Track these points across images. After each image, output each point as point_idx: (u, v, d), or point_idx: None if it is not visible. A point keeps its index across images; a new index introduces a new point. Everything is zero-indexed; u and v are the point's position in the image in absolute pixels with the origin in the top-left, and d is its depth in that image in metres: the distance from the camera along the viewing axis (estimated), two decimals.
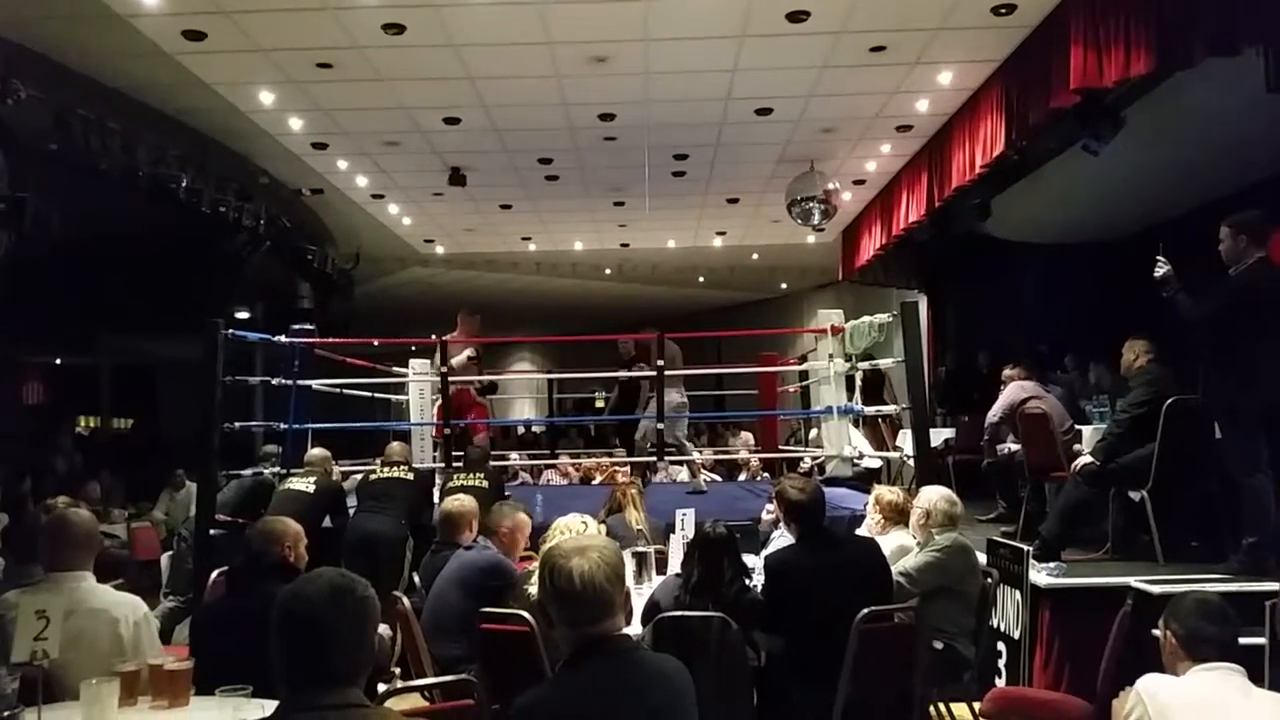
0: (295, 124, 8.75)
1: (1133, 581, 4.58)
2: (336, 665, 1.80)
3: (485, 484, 6.47)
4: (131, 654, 3.15)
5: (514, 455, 11.37)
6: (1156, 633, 2.82)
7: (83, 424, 17.89)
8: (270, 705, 2.26)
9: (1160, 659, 2.79)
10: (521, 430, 17.30)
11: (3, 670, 2.64)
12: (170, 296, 10.95)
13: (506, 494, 6.80)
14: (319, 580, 1.88)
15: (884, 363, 7.87)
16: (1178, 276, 4.81)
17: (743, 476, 10.76)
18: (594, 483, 9.77)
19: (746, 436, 12.22)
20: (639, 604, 3.92)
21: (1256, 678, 2.76)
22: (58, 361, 17.19)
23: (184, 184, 8.22)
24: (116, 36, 6.82)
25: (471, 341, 8.35)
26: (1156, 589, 4.37)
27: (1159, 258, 4.83)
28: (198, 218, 8.62)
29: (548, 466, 9.95)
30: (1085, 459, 5.47)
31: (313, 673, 1.78)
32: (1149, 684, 2.57)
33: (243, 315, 12.14)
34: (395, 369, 9.99)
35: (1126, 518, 5.64)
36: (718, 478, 10.76)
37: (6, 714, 2.43)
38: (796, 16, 6.76)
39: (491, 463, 7.30)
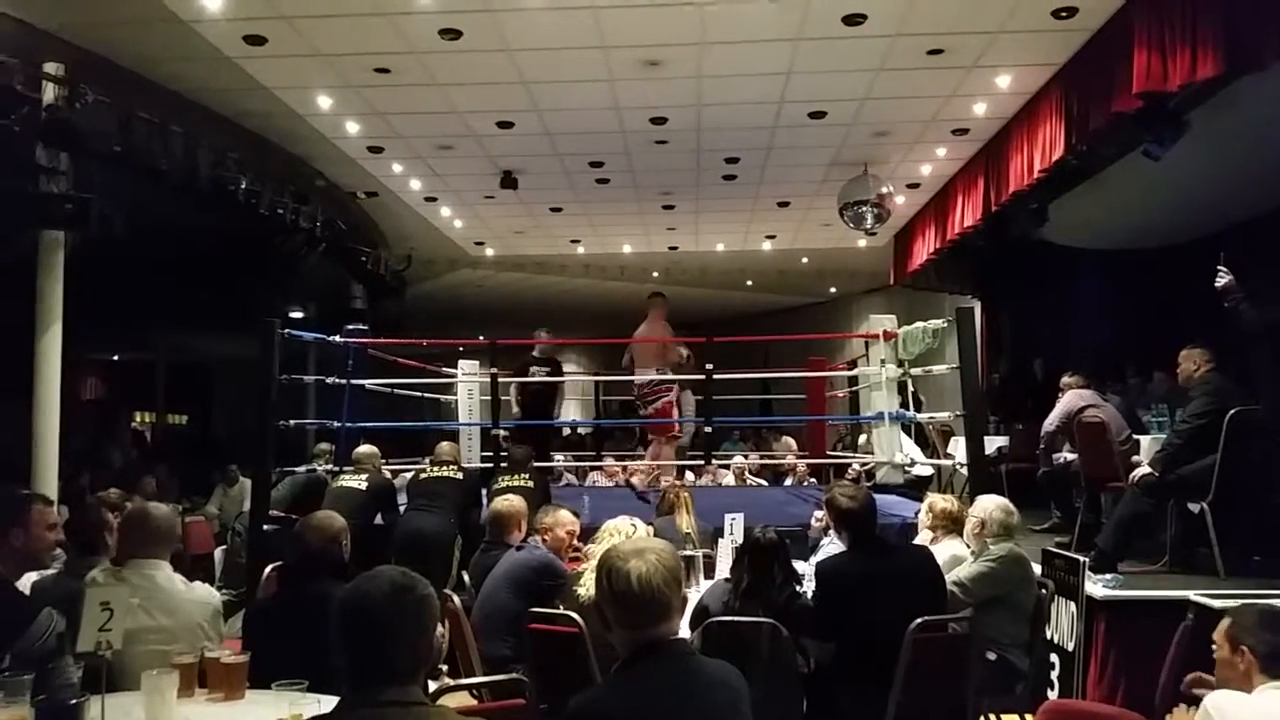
0: (352, 128, 8.87)
1: (1193, 595, 4.48)
2: (398, 662, 1.82)
3: (531, 484, 6.51)
4: (204, 643, 3.22)
5: (559, 457, 11.41)
6: (1217, 642, 2.74)
7: (139, 419, 18.28)
8: (325, 700, 2.30)
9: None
10: (567, 431, 17.35)
11: (69, 659, 2.71)
12: (227, 296, 11.14)
13: (551, 495, 6.84)
14: (381, 579, 1.89)
15: (938, 369, 7.77)
16: (1239, 286, 4.71)
17: (789, 481, 10.69)
18: (636, 486, 9.75)
19: (789, 441, 12.14)
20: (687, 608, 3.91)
21: None
22: (115, 358, 17.59)
23: (243, 186, 8.35)
24: (179, 41, 6.97)
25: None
26: (1218, 603, 4.26)
27: (1220, 267, 4.74)
28: (255, 219, 8.76)
29: (594, 468, 9.96)
30: (1144, 470, 5.36)
31: (375, 669, 1.80)
32: (1219, 701, 2.49)
33: (297, 315, 12.31)
34: (445, 369, 10.08)
35: (1185, 530, 5.51)
36: (764, 482, 10.71)
37: (73, 702, 2.48)
38: (853, 19, 6.72)
39: (535, 464, 7.34)
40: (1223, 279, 4.72)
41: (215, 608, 3.42)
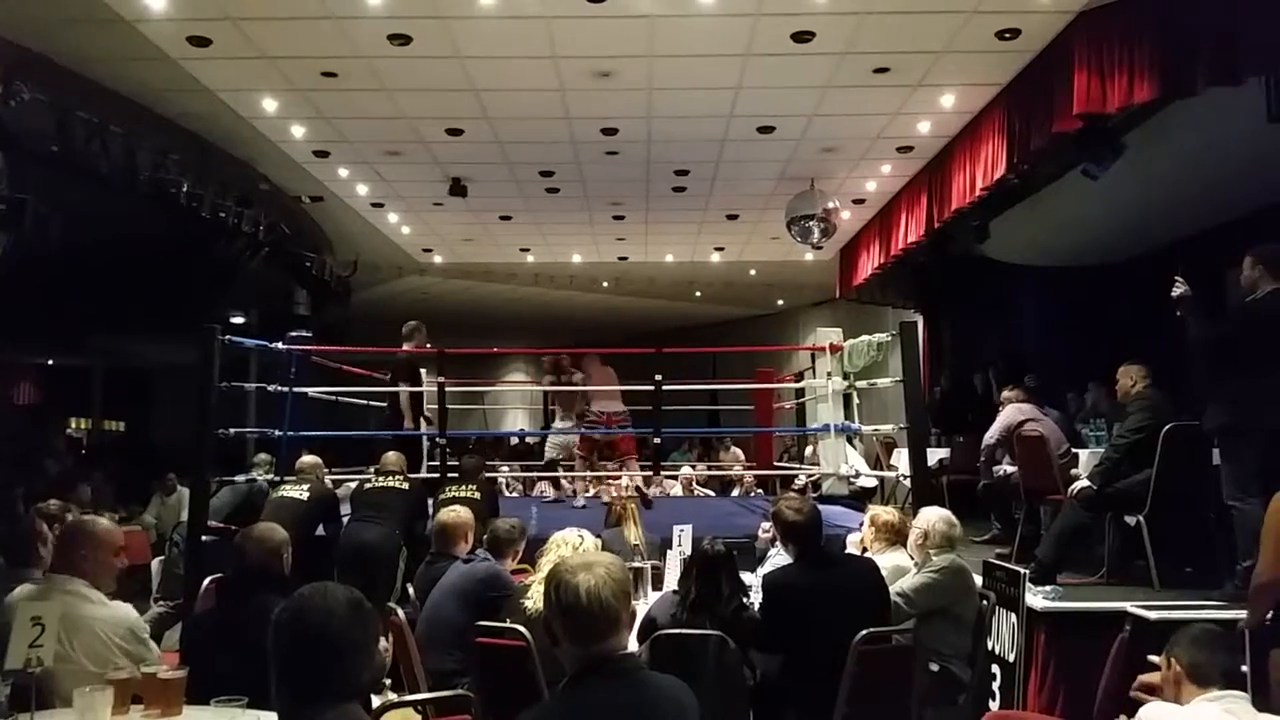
0: (298, 131, 8.75)
1: (1129, 607, 4.57)
2: (345, 679, 1.78)
3: (478, 496, 6.45)
4: (125, 662, 3.13)
5: (505, 467, 11.34)
6: (1154, 659, 2.82)
7: (74, 426, 17.80)
8: (265, 717, 2.24)
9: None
10: (515, 441, 17.27)
11: None
12: (166, 300, 10.91)
13: (499, 507, 6.78)
14: (335, 593, 1.86)
15: (881, 382, 7.87)
16: (1192, 298, 4.85)
17: (736, 492, 10.75)
18: (588, 495, 9.73)
19: (736, 452, 12.22)
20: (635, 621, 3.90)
21: None
22: (49, 362, 17.12)
23: (184, 188, 8.22)
24: (121, 41, 6.82)
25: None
26: (1154, 615, 4.37)
27: (1177, 277, 4.86)
28: (197, 222, 8.61)
29: (540, 478, 9.92)
30: (1083, 483, 5.47)
31: (318, 687, 1.76)
32: (1153, 713, 2.56)
33: (238, 320, 12.10)
34: (391, 378, 9.95)
35: (1122, 542, 5.63)
36: (711, 493, 10.75)
37: None
38: (801, 37, 6.80)
39: (484, 475, 7.27)
40: (1179, 289, 4.84)
41: (129, 627, 3.31)
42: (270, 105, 8.11)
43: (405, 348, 8.34)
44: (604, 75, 7.51)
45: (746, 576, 4.21)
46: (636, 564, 4.97)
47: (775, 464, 10.78)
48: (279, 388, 7.64)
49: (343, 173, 10.01)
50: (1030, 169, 7.73)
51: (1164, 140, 6.96)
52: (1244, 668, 3.40)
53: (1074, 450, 6.58)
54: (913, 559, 4.69)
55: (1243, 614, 3.82)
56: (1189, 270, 4.90)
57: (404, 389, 8.10)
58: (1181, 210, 8.00)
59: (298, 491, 6.32)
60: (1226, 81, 5.30)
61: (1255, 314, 4.71)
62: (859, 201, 10.86)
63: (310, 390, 8.07)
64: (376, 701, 3.38)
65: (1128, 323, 8.65)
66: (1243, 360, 4.65)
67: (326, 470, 7.10)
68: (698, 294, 16.79)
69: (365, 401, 9.71)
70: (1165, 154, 7.18)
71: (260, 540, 3.65)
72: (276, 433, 7.66)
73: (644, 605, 4.30)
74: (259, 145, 9.12)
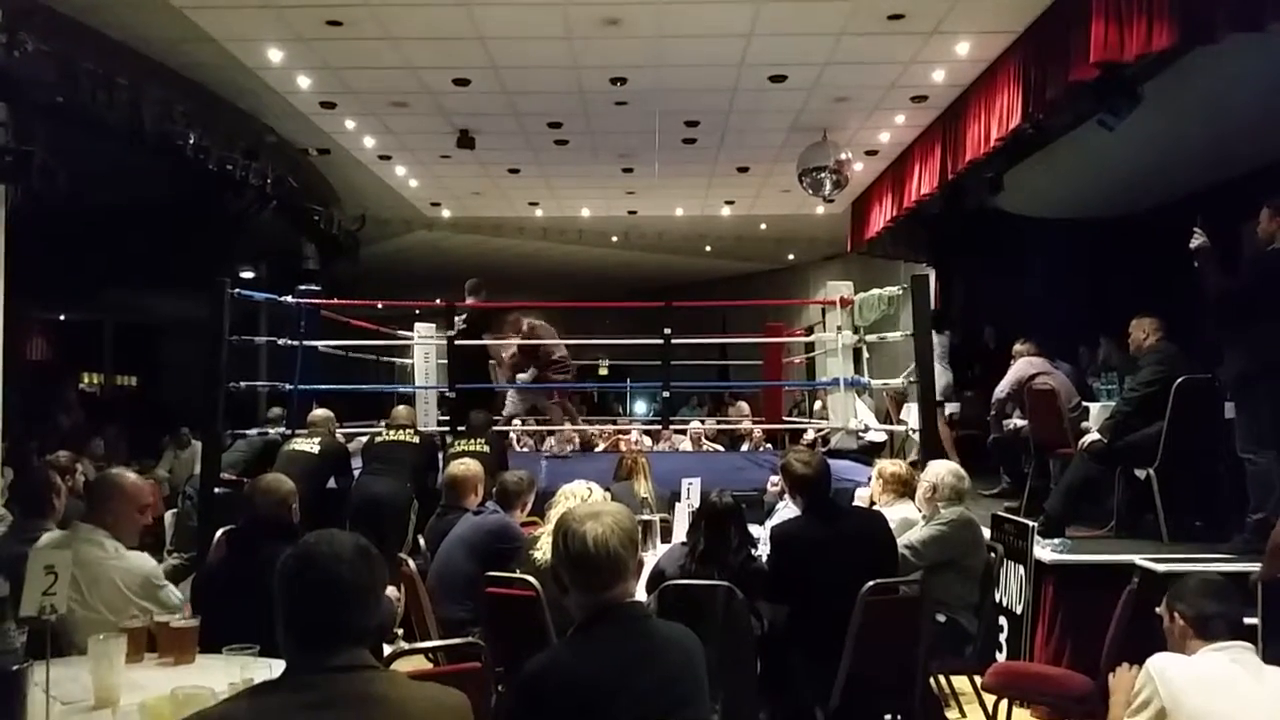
0: (303, 82, 8.67)
1: (1138, 560, 4.59)
2: (353, 625, 1.79)
3: (488, 449, 6.48)
4: (141, 611, 3.19)
5: (515, 421, 11.37)
6: (1160, 611, 2.82)
7: (86, 381, 17.91)
8: (276, 664, 2.26)
9: (1163, 637, 2.79)
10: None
11: (11, 624, 2.64)
12: (175, 254, 10.91)
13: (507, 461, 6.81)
14: (342, 539, 1.86)
15: (892, 336, 7.84)
16: (1213, 247, 4.80)
17: (745, 447, 10.77)
18: (597, 450, 9.78)
19: (743, 406, 12.22)
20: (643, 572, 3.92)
21: None
22: (61, 318, 17.19)
23: (190, 141, 8.15)
24: None
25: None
26: (1162, 568, 4.38)
27: (1196, 229, 4.81)
28: (204, 175, 8.55)
29: (549, 433, 9.96)
30: (1093, 436, 5.46)
31: (327, 633, 1.76)
32: (1160, 662, 2.56)
33: (247, 275, 12.11)
34: (400, 332, 9.97)
35: (1132, 496, 5.63)
36: (720, 448, 10.77)
37: (15, 668, 2.43)
38: None
39: (494, 429, 7.30)
40: (1197, 239, 4.80)
41: (146, 575, 3.37)
42: (276, 55, 8.02)
43: (469, 301, 8.53)
44: (612, 23, 7.39)
45: (755, 529, 4.23)
46: (646, 516, 5.00)
47: (785, 418, 10.77)
48: (289, 341, 7.65)
49: (349, 124, 9.93)
50: (1046, 119, 7.60)
51: (1182, 90, 6.82)
52: (1249, 620, 3.41)
53: (1085, 404, 6.57)
54: (921, 512, 4.69)
55: (1252, 567, 3.82)
56: (1206, 222, 4.86)
57: (489, 341, 8.45)
58: (1197, 162, 7.88)
59: (309, 445, 6.36)
60: (1248, 28, 5.17)
61: (1274, 265, 4.66)
62: (871, 153, 10.73)
63: (320, 344, 8.09)
64: (389, 650, 3.43)
65: (1141, 276, 8.57)
66: (1262, 312, 4.61)
67: (338, 424, 7.14)
68: (708, 249, 16.69)
69: (375, 356, 9.74)
70: (1183, 104, 7.05)
71: (268, 491, 3.68)
72: (287, 387, 7.70)
73: (653, 557, 4.33)
74: (265, 97, 9.04)
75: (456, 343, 7.96)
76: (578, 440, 9.39)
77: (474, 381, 8.15)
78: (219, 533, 5.09)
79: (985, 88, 8.13)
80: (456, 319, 8.09)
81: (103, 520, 3.41)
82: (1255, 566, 3.99)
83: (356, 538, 1.89)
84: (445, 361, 8.14)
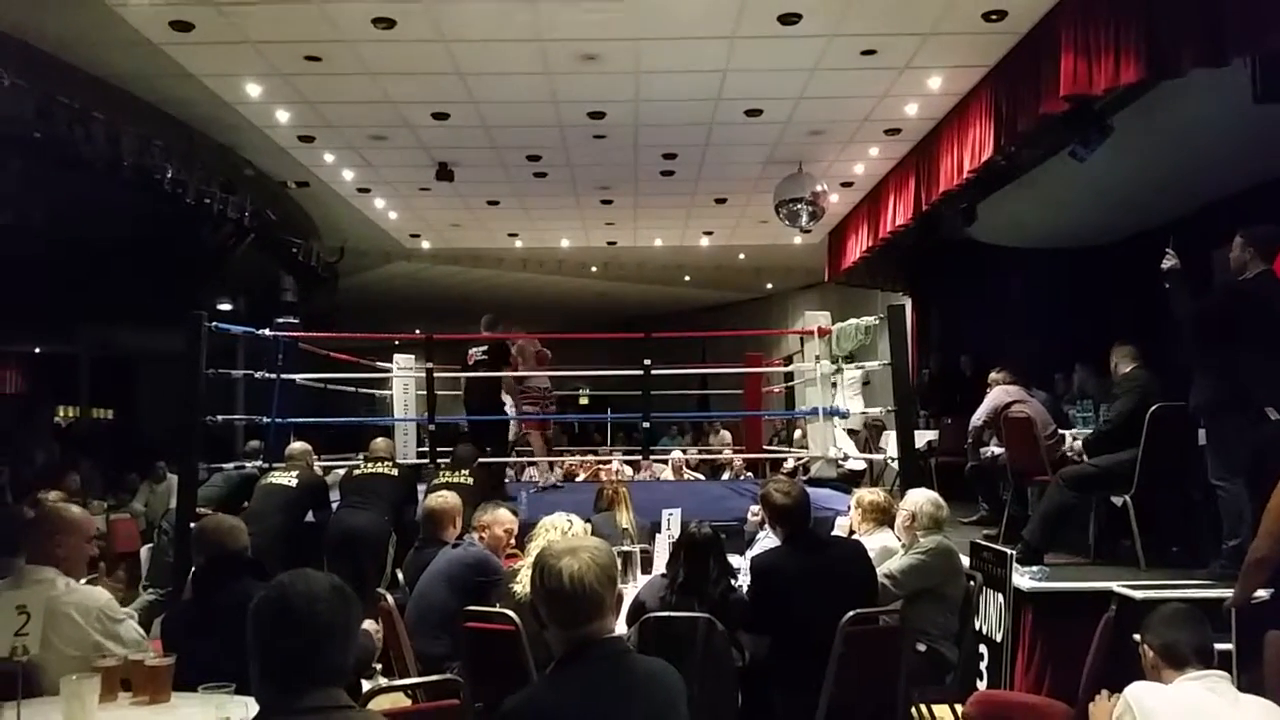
0: (282, 116, 8.69)
1: (1115, 586, 4.60)
2: (328, 665, 1.78)
3: (471, 481, 6.44)
4: (103, 643, 3.12)
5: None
6: (1137, 639, 2.84)
7: (62, 414, 17.73)
8: (253, 702, 2.24)
9: (1141, 664, 2.81)
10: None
11: None
12: (152, 288, 10.86)
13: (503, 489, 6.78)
14: (317, 579, 1.85)
15: (870, 365, 7.88)
16: (1181, 272, 4.86)
17: (726, 475, 10.78)
18: (578, 479, 9.76)
19: (725, 435, 12.24)
20: (623, 604, 3.91)
21: None
22: (36, 350, 17.04)
23: (168, 175, 8.14)
24: (102, 26, 6.75)
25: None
26: (1139, 594, 4.39)
27: (1168, 250, 4.87)
28: (182, 209, 8.54)
29: (530, 464, 9.93)
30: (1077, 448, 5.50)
31: (301, 674, 1.75)
32: (1137, 691, 2.58)
33: (225, 307, 12.05)
34: (379, 364, 9.94)
35: (1109, 523, 5.67)
36: (701, 477, 10.77)
37: None
38: (788, 18, 6.77)
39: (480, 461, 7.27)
40: (1169, 261, 4.86)
41: (100, 608, 3.22)
42: (254, 90, 8.04)
43: (485, 334, 8.55)
44: (590, 58, 7.46)
45: (735, 559, 4.22)
46: (626, 547, 4.99)
47: (764, 447, 10.79)
48: (266, 374, 7.61)
49: (328, 158, 9.95)
50: (1018, 151, 7.73)
51: (1151, 121, 6.96)
52: (1221, 646, 3.44)
53: (1061, 431, 6.61)
54: (900, 540, 4.70)
55: (1228, 593, 3.84)
56: (1152, 256, 4.92)
57: (508, 374, 8.47)
58: (1167, 192, 8.01)
59: (286, 478, 6.31)
60: (1212, 63, 5.28)
61: (1245, 294, 4.72)
62: (847, 185, 10.85)
63: (298, 377, 8.05)
64: (367, 686, 3.39)
65: (1114, 305, 8.68)
66: (1231, 338, 4.67)
67: (317, 457, 7.09)
68: (687, 278, 16.77)
69: (354, 389, 9.69)
70: (1152, 136, 7.18)
71: (215, 531, 3.66)
72: (265, 420, 7.64)
73: (633, 589, 4.32)
74: (243, 131, 9.06)
75: (471, 374, 8.20)
76: (560, 472, 9.37)
77: (490, 413, 8.26)
78: (195, 567, 5.05)
79: (958, 120, 8.25)
80: (476, 350, 8.18)
81: (51, 557, 3.26)
82: (1231, 592, 4.02)
83: (331, 577, 1.88)
84: (424, 393, 8.10)
